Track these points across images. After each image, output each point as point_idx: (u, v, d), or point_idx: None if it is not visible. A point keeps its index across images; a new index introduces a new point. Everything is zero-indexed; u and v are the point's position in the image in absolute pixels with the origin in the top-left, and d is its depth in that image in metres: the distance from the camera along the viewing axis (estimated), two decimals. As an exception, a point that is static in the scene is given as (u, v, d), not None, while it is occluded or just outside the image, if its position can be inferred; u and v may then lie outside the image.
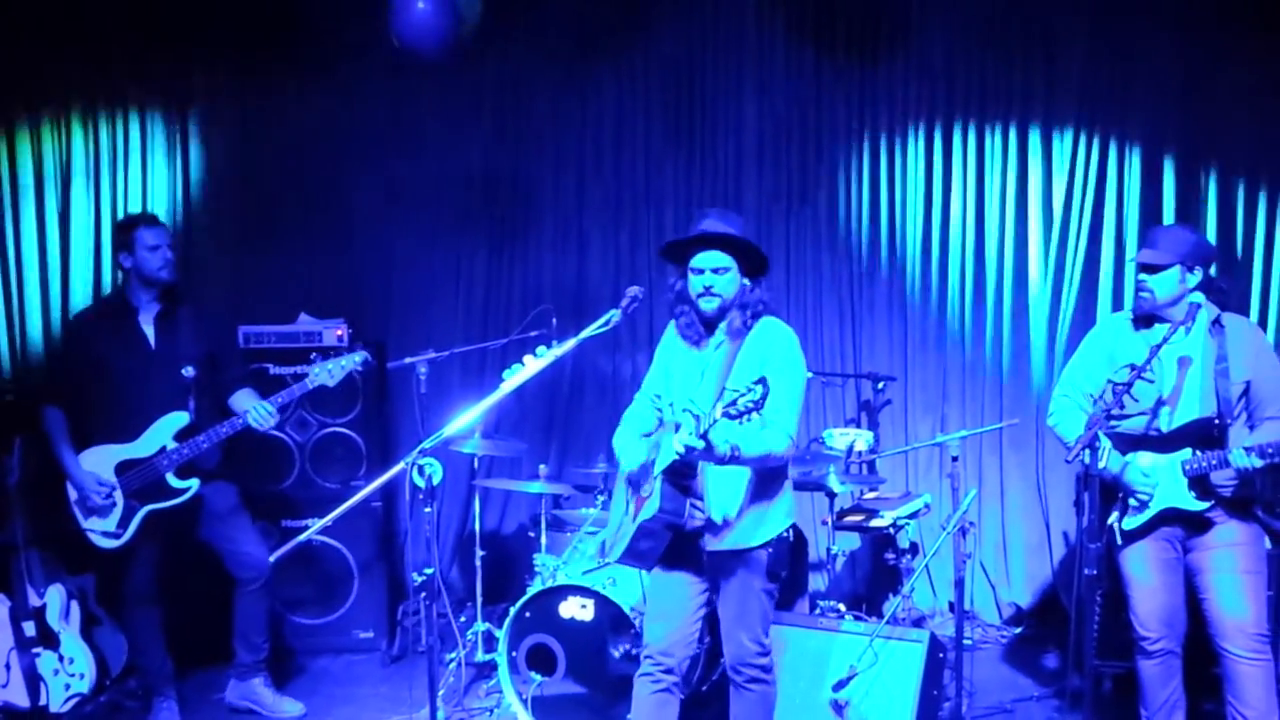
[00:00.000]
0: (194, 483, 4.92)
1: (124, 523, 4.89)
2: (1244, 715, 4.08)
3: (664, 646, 3.97)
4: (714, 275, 3.82)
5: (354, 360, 4.90)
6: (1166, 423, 4.13)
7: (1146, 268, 4.13)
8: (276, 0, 6.20)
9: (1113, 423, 4.10)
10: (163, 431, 4.89)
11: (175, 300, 5.02)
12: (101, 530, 4.90)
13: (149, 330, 4.96)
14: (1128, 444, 4.17)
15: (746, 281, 3.89)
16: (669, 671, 3.97)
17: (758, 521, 3.89)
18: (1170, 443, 4.12)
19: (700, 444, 3.53)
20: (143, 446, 4.88)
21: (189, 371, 4.96)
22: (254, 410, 4.87)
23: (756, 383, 3.42)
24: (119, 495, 4.87)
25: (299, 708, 5.23)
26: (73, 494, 4.91)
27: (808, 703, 4.56)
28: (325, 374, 4.87)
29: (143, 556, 4.99)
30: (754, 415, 3.44)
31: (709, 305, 3.85)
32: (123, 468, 4.88)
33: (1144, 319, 4.21)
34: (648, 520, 3.80)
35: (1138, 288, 4.18)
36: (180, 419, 4.91)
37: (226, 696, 5.27)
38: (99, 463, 4.88)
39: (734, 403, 3.42)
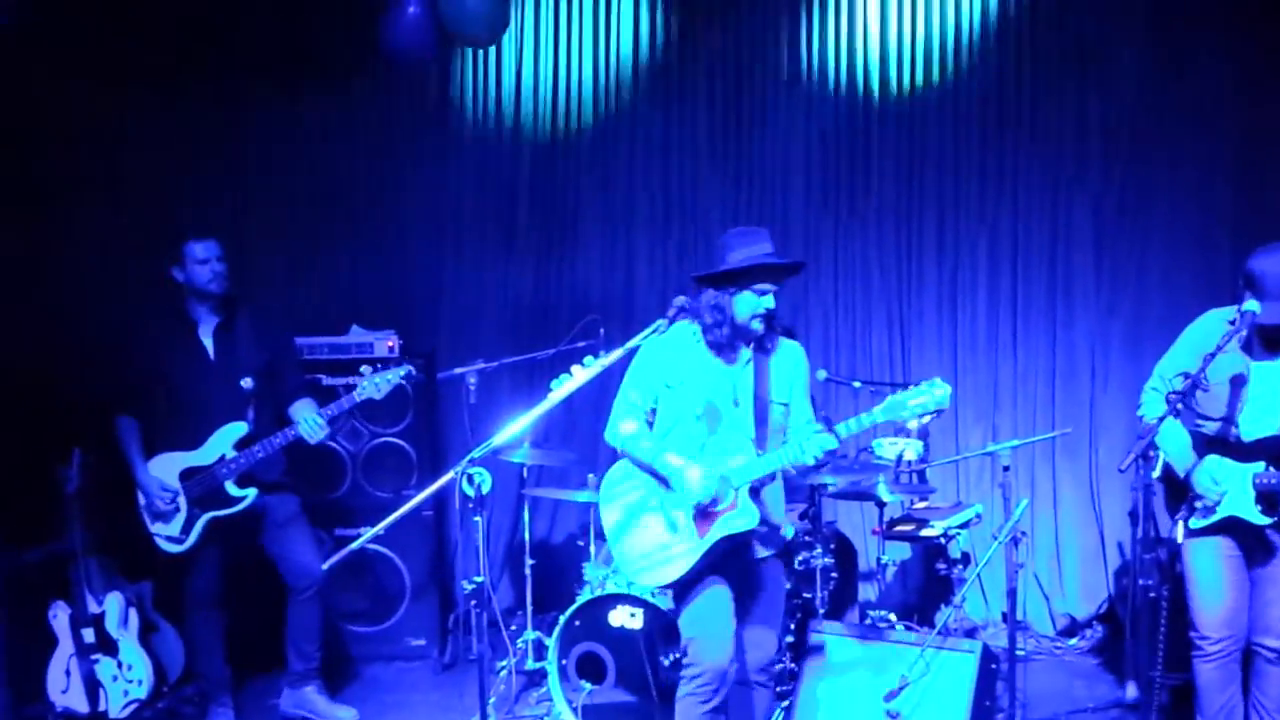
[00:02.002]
0: (252, 492, 5.01)
1: (187, 528, 4.99)
2: (1265, 706, 4.16)
3: (725, 666, 3.94)
4: (772, 299, 3.96)
5: (399, 374, 5.00)
6: (1247, 432, 4.06)
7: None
8: (324, 7, 6.29)
9: (1198, 422, 4.05)
10: (223, 441, 4.99)
11: (234, 312, 5.12)
12: (166, 535, 5.02)
13: (208, 343, 5.07)
14: (1205, 445, 4.11)
15: None
16: (720, 689, 3.97)
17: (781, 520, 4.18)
18: (1247, 453, 4.04)
19: (836, 446, 3.78)
20: (204, 455, 4.99)
21: (248, 383, 5.07)
22: (304, 422, 4.97)
23: (932, 385, 3.78)
24: (183, 501, 4.98)
25: (352, 714, 5.27)
26: (142, 500, 5.03)
27: (859, 713, 4.54)
28: (372, 387, 4.96)
29: (205, 563, 5.10)
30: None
31: (761, 326, 3.98)
32: (186, 475, 5.00)
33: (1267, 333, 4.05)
34: (742, 532, 3.92)
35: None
36: (239, 429, 5.01)
37: (281, 705, 5.32)
38: (164, 469, 5.01)
39: (904, 404, 3.81)
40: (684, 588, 4.02)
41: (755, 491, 3.96)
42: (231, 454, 4.97)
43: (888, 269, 6.54)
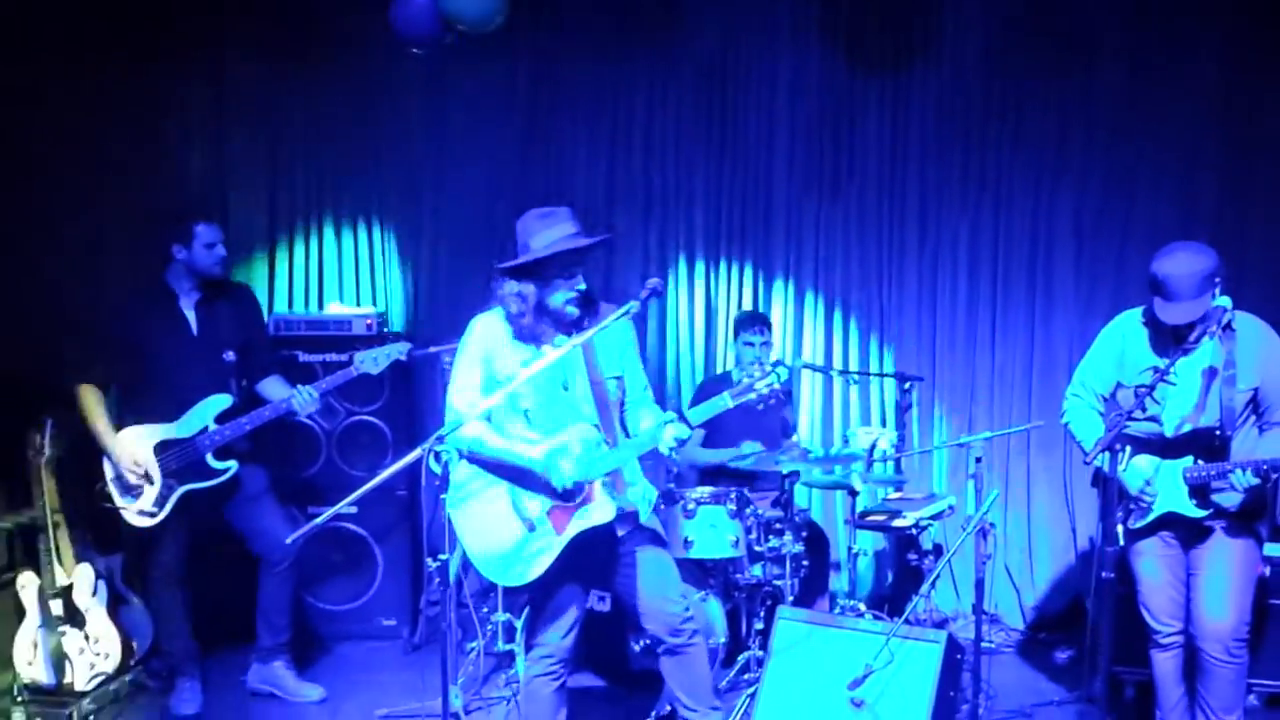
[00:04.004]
0: (233, 464, 5.03)
1: (160, 501, 4.98)
2: (1210, 704, 4.18)
3: (569, 645, 4.04)
4: (582, 280, 3.92)
5: (398, 349, 5.06)
6: (1171, 429, 4.12)
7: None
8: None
9: (1125, 422, 4.08)
10: (205, 413, 5.00)
11: (216, 288, 5.13)
12: (138, 509, 5.00)
13: (190, 315, 5.08)
14: (1135, 445, 4.15)
15: None
16: (565, 663, 4.07)
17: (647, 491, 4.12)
18: (1174, 448, 4.10)
19: (689, 435, 3.77)
20: (184, 427, 4.99)
21: (230, 356, 5.10)
22: (299, 394, 4.99)
23: (776, 365, 3.73)
24: (157, 473, 4.96)
25: (319, 692, 5.30)
26: (109, 471, 5.00)
27: (823, 701, 4.54)
28: (370, 362, 5.01)
29: (174, 536, 5.10)
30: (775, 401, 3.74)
31: (575, 310, 3.93)
32: (162, 447, 4.99)
33: (1165, 331, 4.12)
34: (605, 523, 3.88)
35: (1176, 331, 4.05)
36: (223, 401, 5.03)
37: (248, 679, 5.34)
38: (138, 441, 4.98)
39: (751, 387, 3.74)
40: (540, 590, 4.00)
41: (616, 479, 3.94)
42: (214, 427, 4.99)
43: (868, 257, 6.54)
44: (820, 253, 6.58)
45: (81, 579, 5.23)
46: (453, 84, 6.49)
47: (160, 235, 5.04)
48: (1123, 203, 6.22)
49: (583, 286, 3.90)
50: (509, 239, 6.48)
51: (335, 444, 6.03)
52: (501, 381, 3.88)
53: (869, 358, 6.55)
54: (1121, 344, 4.28)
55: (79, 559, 5.27)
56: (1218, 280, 4.00)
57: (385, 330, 6.08)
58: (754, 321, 5.91)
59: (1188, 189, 6.13)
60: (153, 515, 4.99)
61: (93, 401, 5.00)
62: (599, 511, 3.87)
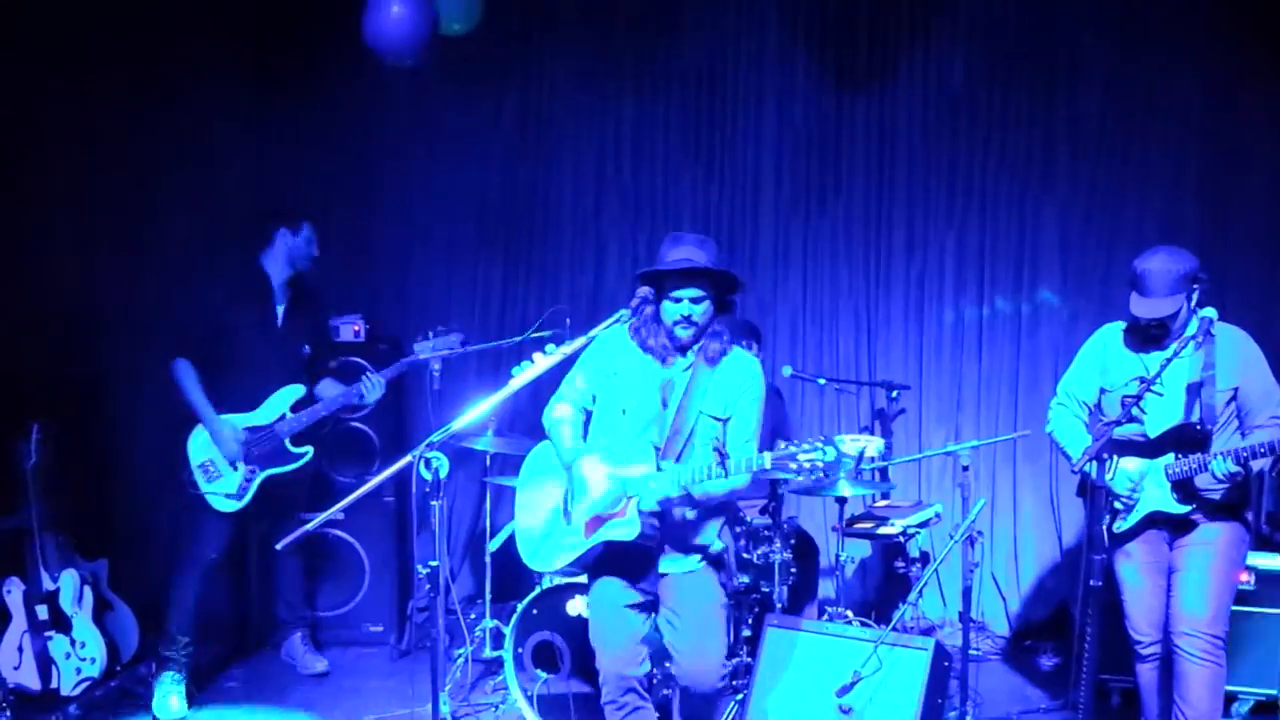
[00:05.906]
0: (309, 450, 5.28)
1: (244, 486, 5.16)
2: (1185, 714, 4.13)
3: (631, 673, 3.95)
4: (692, 305, 3.85)
5: (452, 340, 5.37)
6: (1152, 429, 4.17)
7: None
8: (298, 8, 6.28)
9: (1111, 431, 4.12)
10: (282, 401, 5.25)
11: (301, 287, 5.40)
12: (224, 493, 5.14)
13: (279, 309, 5.32)
14: (1114, 448, 4.17)
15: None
16: (634, 693, 3.97)
17: (705, 536, 4.00)
18: (1154, 448, 4.14)
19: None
20: (263, 415, 5.21)
21: (307, 350, 5.38)
22: (367, 380, 5.26)
23: (825, 443, 3.59)
24: (241, 459, 5.14)
25: (324, 663, 5.69)
26: (194, 458, 5.13)
27: (812, 707, 4.56)
28: (428, 349, 5.29)
29: (224, 528, 5.21)
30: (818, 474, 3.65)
31: (686, 333, 3.89)
32: (245, 434, 5.17)
33: (1139, 330, 4.20)
34: (618, 542, 3.84)
35: (1147, 329, 4.15)
36: (298, 390, 5.28)
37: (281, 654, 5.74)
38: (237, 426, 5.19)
39: (793, 457, 3.58)
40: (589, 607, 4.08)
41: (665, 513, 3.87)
42: (289, 414, 5.19)
43: (855, 269, 6.58)
44: (808, 264, 6.61)
45: (67, 585, 5.22)
46: (443, 95, 6.52)
47: (267, 221, 5.30)
48: (1106, 219, 6.26)
49: (687, 311, 3.83)
50: (498, 246, 6.73)
51: (323, 450, 6.00)
52: (615, 375, 3.98)
53: (858, 368, 6.57)
54: (1104, 353, 4.34)
55: (64, 565, 5.26)
56: (1195, 285, 4.06)
57: (370, 339, 6.14)
58: (742, 333, 5.89)
59: (1170, 205, 6.17)
60: (238, 499, 5.15)
61: (191, 376, 5.14)
62: (622, 529, 3.80)
